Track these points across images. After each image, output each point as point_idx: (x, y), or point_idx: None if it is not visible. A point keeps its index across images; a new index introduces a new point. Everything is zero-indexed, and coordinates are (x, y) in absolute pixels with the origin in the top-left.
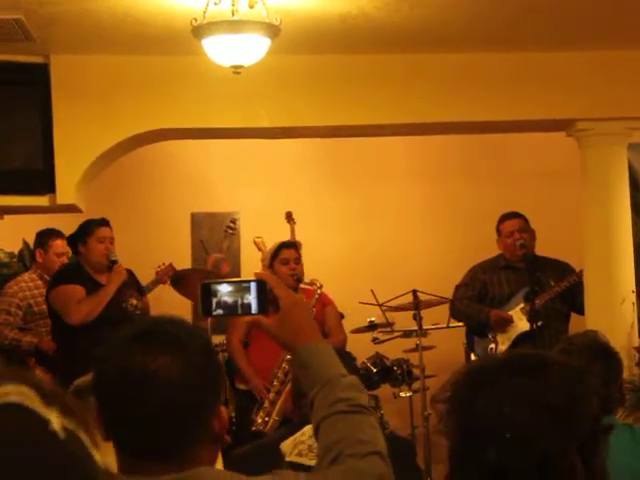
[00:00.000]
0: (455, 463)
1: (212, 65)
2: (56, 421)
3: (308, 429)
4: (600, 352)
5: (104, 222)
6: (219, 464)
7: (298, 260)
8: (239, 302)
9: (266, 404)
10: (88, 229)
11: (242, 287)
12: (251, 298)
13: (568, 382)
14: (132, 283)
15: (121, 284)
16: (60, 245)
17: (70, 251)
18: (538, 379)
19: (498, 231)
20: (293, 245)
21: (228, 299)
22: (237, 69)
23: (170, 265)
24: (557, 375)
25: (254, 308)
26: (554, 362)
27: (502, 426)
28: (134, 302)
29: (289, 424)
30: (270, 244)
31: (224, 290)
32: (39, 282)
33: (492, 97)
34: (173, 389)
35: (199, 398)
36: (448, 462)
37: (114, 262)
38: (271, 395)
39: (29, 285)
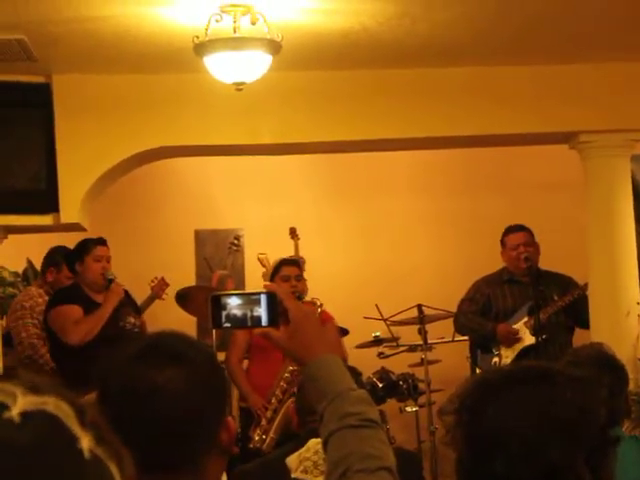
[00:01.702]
0: (463, 475)
1: (214, 82)
2: (86, 442)
3: (313, 444)
4: (606, 364)
5: (101, 241)
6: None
7: (299, 277)
8: (249, 314)
9: (263, 422)
10: (85, 248)
11: (252, 299)
12: (261, 311)
13: (575, 393)
14: (129, 302)
15: (119, 303)
16: None
17: None
18: (545, 390)
19: (503, 243)
20: (295, 262)
21: (238, 312)
22: (239, 86)
23: (162, 279)
24: (564, 386)
25: (264, 321)
26: (561, 373)
27: (509, 438)
28: (132, 320)
29: (295, 439)
30: (274, 260)
31: (234, 303)
32: (47, 298)
33: (494, 110)
34: (181, 402)
35: (207, 410)
36: (456, 474)
37: (111, 280)
38: (269, 413)
39: (38, 301)
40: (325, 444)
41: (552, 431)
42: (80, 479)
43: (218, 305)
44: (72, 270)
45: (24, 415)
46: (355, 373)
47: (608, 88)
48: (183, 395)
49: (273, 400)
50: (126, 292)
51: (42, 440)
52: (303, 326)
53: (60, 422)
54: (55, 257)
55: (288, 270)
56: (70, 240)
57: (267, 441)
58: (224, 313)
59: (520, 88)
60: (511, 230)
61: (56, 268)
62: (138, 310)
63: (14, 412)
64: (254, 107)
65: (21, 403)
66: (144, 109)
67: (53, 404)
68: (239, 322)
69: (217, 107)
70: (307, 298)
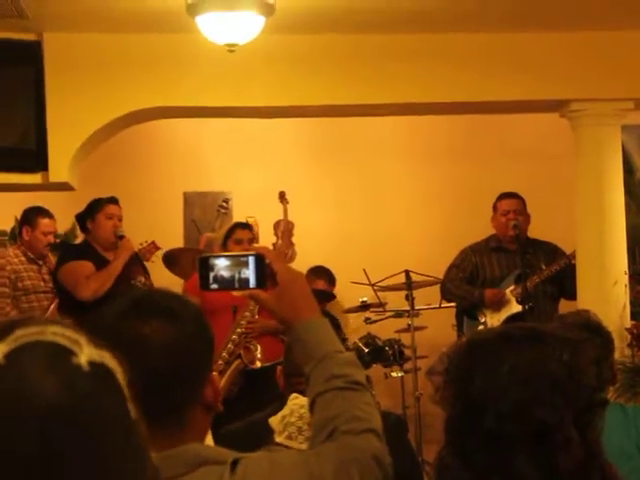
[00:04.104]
0: (452, 432)
1: (206, 43)
2: (130, 401)
3: (297, 408)
4: (592, 330)
5: (113, 200)
6: (209, 440)
7: (252, 241)
8: (236, 276)
9: None
10: (97, 206)
11: (240, 261)
12: (249, 272)
13: (566, 353)
14: (138, 263)
15: (129, 261)
16: (48, 224)
17: (56, 231)
18: (535, 350)
19: (494, 208)
20: (248, 226)
21: (225, 273)
22: (231, 47)
23: (153, 243)
24: (554, 346)
25: (252, 282)
26: (551, 334)
27: (498, 396)
28: (142, 279)
29: (280, 400)
30: (263, 223)
31: (222, 264)
32: (23, 258)
33: (486, 77)
34: (167, 353)
35: (192, 363)
36: (444, 432)
37: (121, 237)
38: (215, 374)
39: (14, 260)
40: (312, 405)
41: (541, 390)
42: (129, 435)
43: (206, 267)
44: (83, 228)
45: (91, 364)
46: (341, 339)
47: (601, 57)
48: (169, 346)
49: (220, 361)
50: (135, 254)
51: (105, 392)
52: (291, 288)
53: (117, 378)
54: (28, 216)
55: (241, 234)
56: (58, 199)
57: None
58: (212, 275)
59: (512, 55)
60: (504, 196)
61: (30, 227)
62: (147, 271)
63: (82, 360)
64: (246, 69)
65: (87, 352)
66: (135, 69)
67: (109, 358)
68: (227, 284)
69: (209, 68)
70: (296, 262)
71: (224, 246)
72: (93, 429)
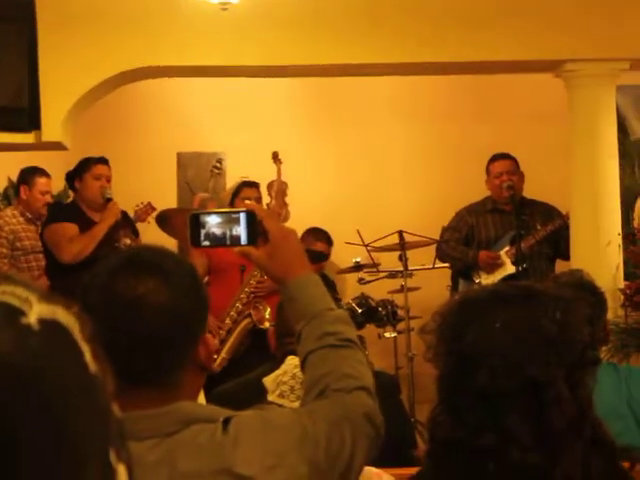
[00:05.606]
0: (444, 390)
1: (200, 1)
2: (88, 357)
3: (290, 368)
4: (585, 289)
5: (102, 160)
6: (202, 400)
7: (259, 200)
8: (228, 233)
9: (216, 342)
10: (85, 166)
11: (231, 218)
12: (240, 229)
13: (558, 311)
14: (127, 224)
15: (115, 223)
16: (45, 183)
17: (52, 190)
18: (529, 307)
19: (487, 171)
20: (255, 185)
21: (217, 230)
22: (224, 5)
23: (149, 204)
24: (548, 304)
25: (243, 239)
26: (545, 292)
27: (492, 352)
28: (128, 242)
29: (272, 360)
30: (235, 182)
31: (213, 221)
32: (21, 219)
33: (480, 37)
34: (161, 313)
35: (186, 323)
36: (437, 390)
37: (109, 200)
38: (222, 333)
39: (12, 221)
40: (303, 363)
41: (533, 347)
42: (88, 392)
43: (197, 224)
44: (72, 187)
45: (42, 322)
46: (334, 298)
47: (596, 16)
48: (163, 306)
49: (227, 320)
50: (125, 213)
51: (57, 350)
52: (282, 246)
53: (70, 334)
54: (25, 176)
55: (248, 192)
56: (51, 159)
57: (218, 361)
58: (203, 232)
59: (507, 15)
60: (496, 158)
61: (28, 186)
62: (136, 232)
63: (32, 319)
64: (239, 28)
65: (37, 310)
66: (130, 27)
67: (62, 314)
68: (218, 241)
69: (202, 27)
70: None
71: (231, 205)
72: (48, 388)
